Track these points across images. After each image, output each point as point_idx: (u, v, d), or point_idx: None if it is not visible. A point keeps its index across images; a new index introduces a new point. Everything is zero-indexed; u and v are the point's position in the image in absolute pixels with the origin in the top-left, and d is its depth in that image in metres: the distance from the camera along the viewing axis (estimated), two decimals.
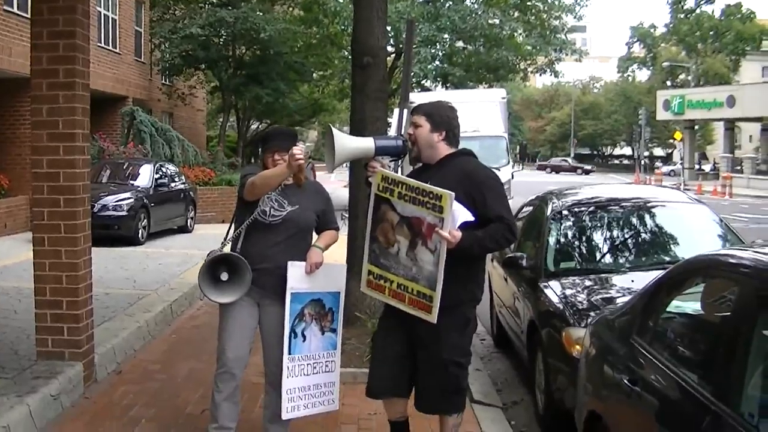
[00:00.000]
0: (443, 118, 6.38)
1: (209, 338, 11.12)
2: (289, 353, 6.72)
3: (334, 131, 6.30)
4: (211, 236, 23.89)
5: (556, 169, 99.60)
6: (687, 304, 5.73)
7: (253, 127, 52.79)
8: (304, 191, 6.87)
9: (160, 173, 25.14)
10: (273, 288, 6.73)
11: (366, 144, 6.42)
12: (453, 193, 5.77)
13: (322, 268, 6.84)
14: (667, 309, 5.81)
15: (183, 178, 27.22)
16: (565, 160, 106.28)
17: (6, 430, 6.96)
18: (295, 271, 6.67)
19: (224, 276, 6.70)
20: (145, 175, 24.43)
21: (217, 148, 39.37)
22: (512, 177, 29.82)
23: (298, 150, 6.38)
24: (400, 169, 6.70)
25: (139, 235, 22.31)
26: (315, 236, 7.07)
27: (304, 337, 6.81)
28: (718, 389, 4.37)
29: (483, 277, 6.59)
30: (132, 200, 22.31)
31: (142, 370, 9.89)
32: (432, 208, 5.87)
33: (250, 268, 6.63)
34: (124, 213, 21.72)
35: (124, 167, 25.11)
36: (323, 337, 6.96)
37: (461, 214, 5.88)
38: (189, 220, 26.43)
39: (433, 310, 5.91)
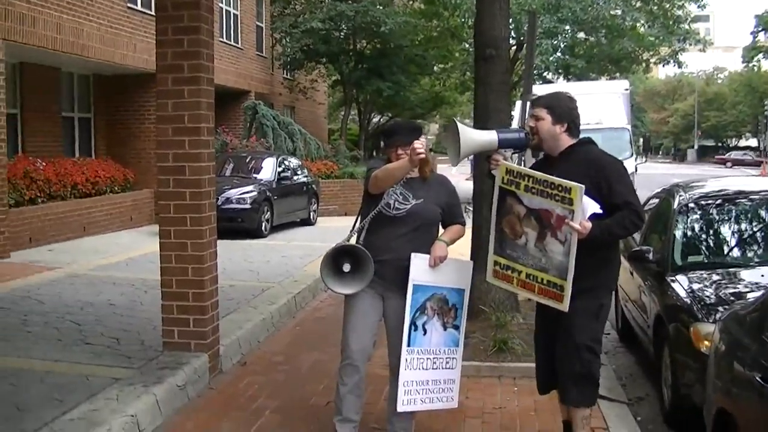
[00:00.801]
0: (564, 110, 6.38)
1: (333, 330, 11.16)
2: (408, 345, 6.69)
3: (459, 125, 6.31)
4: (334, 229, 24.11)
5: (738, 163, 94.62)
6: None
7: (375, 120, 53.06)
8: (429, 185, 6.83)
9: (283, 166, 25.33)
10: (396, 280, 6.71)
11: (489, 137, 6.43)
12: (583, 186, 5.79)
13: (449, 264, 6.80)
14: None
15: (305, 171, 27.35)
16: (747, 154, 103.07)
17: (134, 418, 7.08)
18: (418, 263, 6.64)
19: (346, 267, 6.70)
20: (268, 169, 24.64)
21: (339, 141, 39.59)
22: (635, 170, 29.40)
23: (420, 144, 6.38)
24: (523, 161, 6.66)
25: (263, 228, 22.54)
26: (441, 230, 7.02)
27: (425, 330, 6.77)
28: None
29: (617, 263, 6.62)
30: (255, 193, 22.53)
31: (267, 362, 9.98)
32: (561, 200, 5.90)
33: (373, 259, 6.61)
34: (248, 206, 21.95)
35: (247, 161, 25.36)
36: (445, 332, 6.90)
37: (590, 205, 5.90)
38: (311, 213, 26.62)
39: (565, 299, 5.97)
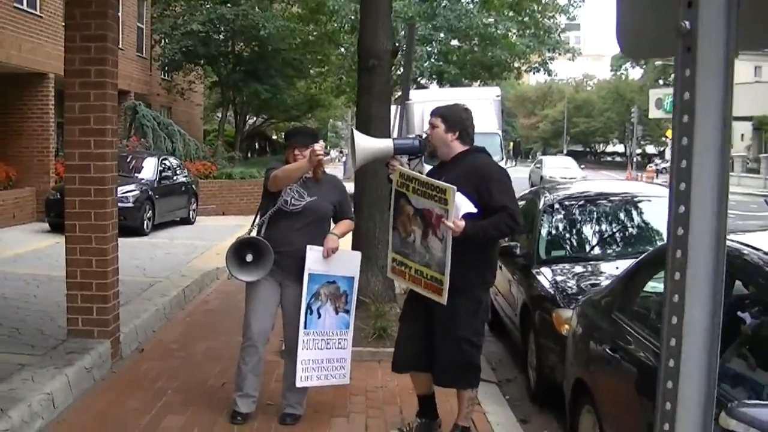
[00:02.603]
0: (456, 120, 7.06)
1: (221, 320, 11.91)
2: (305, 327, 7.51)
3: (356, 133, 7.10)
4: (213, 228, 24.61)
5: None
6: (662, 285, 6.47)
7: (251, 121, 53.31)
8: (322, 184, 7.69)
9: (164, 166, 25.69)
10: (292, 269, 7.53)
11: (385, 144, 7.16)
12: (455, 187, 6.42)
13: (339, 254, 7.66)
14: (645, 288, 6.55)
15: (185, 171, 27.77)
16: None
17: (49, 396, 7.65)
18: (313, 254, 7.47)
19: (249, 257, 7.51)
20: (150, 168, 24.92)
21: (217, 142, 39.73)
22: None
23: (319, 147, 7.28)
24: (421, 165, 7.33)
25: (145, 226, 22.86)
26: (333, 225, 7.86)
27: (320, 314, 7.60)
28: None
29: (495, 262, 7.31)
30: (137, 192, 22.81)
31: (163, 349, 10.55)
32: (439, 200, 6.53)
33: (273, 250, 7.43)
34: (130, 204, 22.09)
35: (128, 160, 25.25)
36: (337, 316, 7.75)
37: (464, 205, 6.50)
38: (191, 212, 27.07)
39: (444, 293, 6.55)
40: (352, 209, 8.28)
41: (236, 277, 7.63)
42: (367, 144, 7.13)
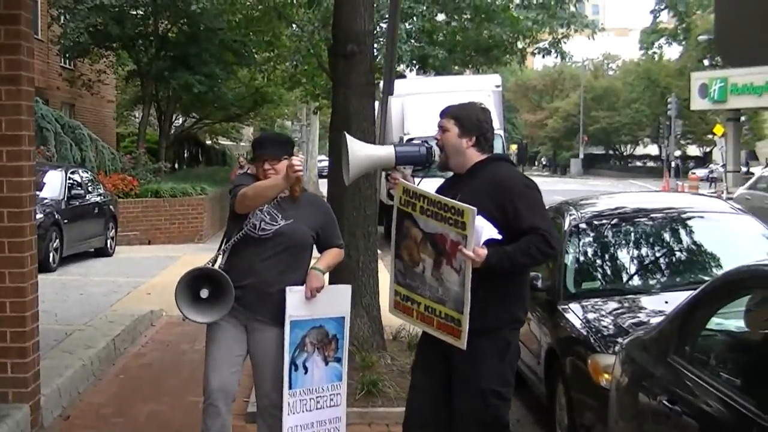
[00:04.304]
0: (473, 122, 7.16)
1: (164, 377, 12.10)
2: (290, 388, 7.65)
3: (348, 138, 7.24)
4: (138, 261, 24.52)
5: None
6: (729, 321, 6.73)
7: (177, 123, 52.84)
8: (300, 205, 7.82)
9: (72, 181, 25.26)
10: (259, 308, 7.70)
11: (385, 152, 7.29)
12: (475, 209, 6.53)
13: (325, 292, 7.80)
14: (707, 326, 6.79)
15: (100, 187, 27.55)
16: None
17: None
18: (294, 297, 7.61)
19: (204, 293, 7.62)
20: (54, 184, 24.36)
21: (138, 150, 39.26)
22: None
23: (298, 161, 7.36)
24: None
25: (50, 260, 22.47)
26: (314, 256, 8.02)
27: (306, 368, 7.77)
28: (764, 403, 5.35)
29: (526, 295, 7.42)
30: (40, 216, 21.24)
31: (94, 414, 10.67)
32: (454, 224, 6.65)
33: (235, 284, 7.53)
34: None
35: None
36: (327, 367, 7.94)
37: (486, 230, 6.63)
38: (109, 241, 26.85)
39: (462, 335, 6.68)
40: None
41: (188, 318, 7.74)
42: (362, 151, 7.26)
